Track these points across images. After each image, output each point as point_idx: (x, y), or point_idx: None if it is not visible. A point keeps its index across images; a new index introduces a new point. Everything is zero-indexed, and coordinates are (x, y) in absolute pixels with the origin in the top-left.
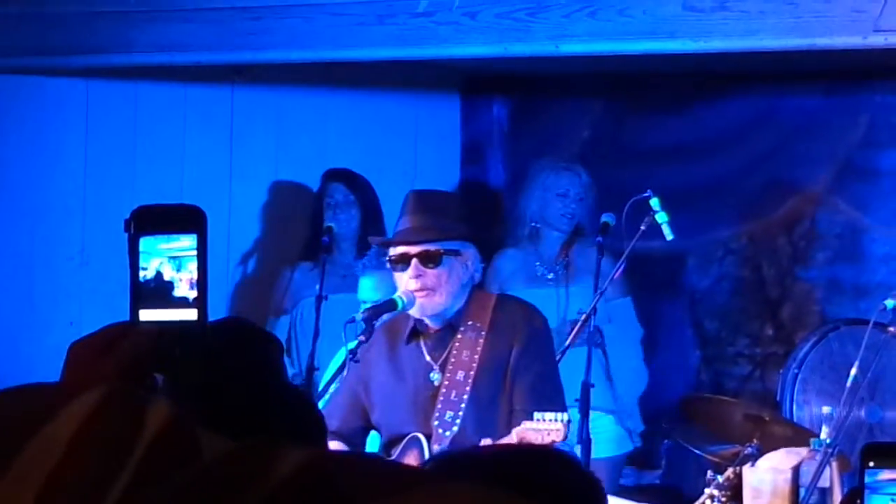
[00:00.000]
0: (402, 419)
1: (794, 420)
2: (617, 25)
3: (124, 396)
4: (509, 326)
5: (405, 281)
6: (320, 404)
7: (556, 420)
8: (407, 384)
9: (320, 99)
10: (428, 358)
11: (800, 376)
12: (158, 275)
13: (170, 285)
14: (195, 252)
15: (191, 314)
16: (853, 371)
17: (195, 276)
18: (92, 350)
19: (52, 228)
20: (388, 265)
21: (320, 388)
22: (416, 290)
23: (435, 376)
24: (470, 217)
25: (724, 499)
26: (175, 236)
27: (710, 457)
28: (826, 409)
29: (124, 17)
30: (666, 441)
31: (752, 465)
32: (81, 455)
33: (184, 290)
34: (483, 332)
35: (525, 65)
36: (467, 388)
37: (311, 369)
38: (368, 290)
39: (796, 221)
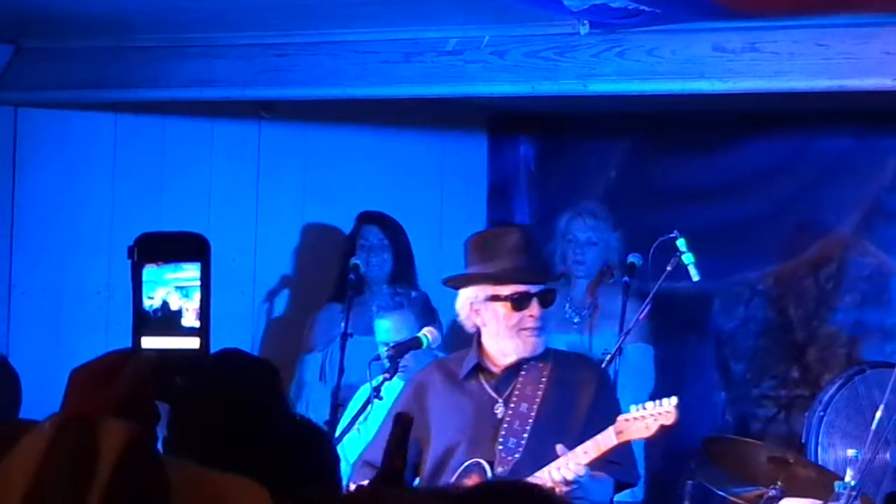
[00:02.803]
0: (463, 449)
1: (819, 462)
2: (645, 65)
3: (75, 428)
4: (583, 377)
5: (520, 320)
6: (344, 441)
7: (659, 404)
8: (469, 417)
9: (347, 136)
10: (493, 393)
11: (825, 419)
12: (165, 304)
13: (176, 314)
14: (200, 282)
15: (193, 342)
16: (878, 414)
17: (199, 305)
18: (93, 377)
19: (79, 262)
20: (491, 302)
21: (343, 425)
22: (533, 329)
23: (499, 409)
24: None
25: None
26: (179, 265)
27: (734, 498)
28: (851, 452)
29: (153, 52)
30: (690, 482)
31: None
32: (44, 493)
33: (190, 319)
34: (546, 373)
35: (553, 104)
36: (530, 420)
37: (336, 406)
38: (385, 331)
39: (824, 263)
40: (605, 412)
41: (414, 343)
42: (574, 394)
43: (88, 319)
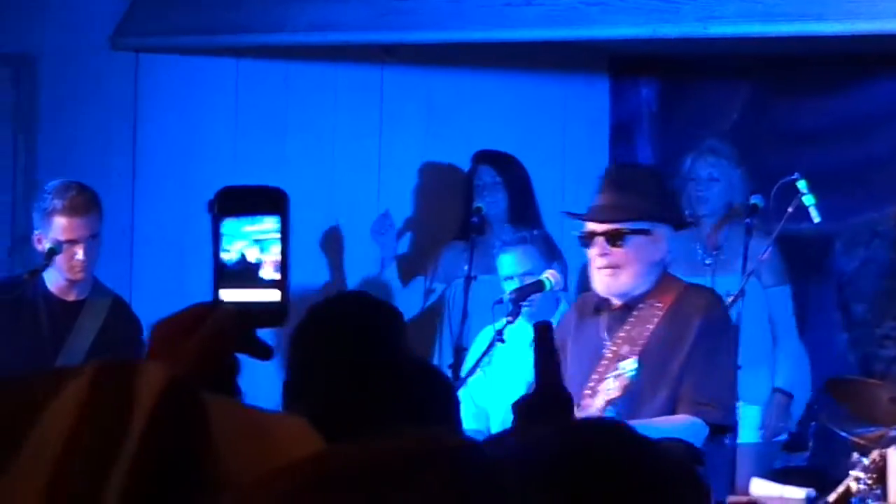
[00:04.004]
0: (575, 387)
1: None
2: (766, 7)
3: (112, 374)
4: (690, 314)
5: (592, 258)
6: (468, 383)
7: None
8: (584, 355)
9: (470, 79)
10: (604, 333)
11: None
12: (242, 256)
13: (254, 266)
14: (278, 234)
15: (273, 295)
16: None
17: (278, 257)
18: (175, 330)
19: (201, 208)
20: (579, 242)
21: (467, 368)
22: (601, 268)
23: (605, 350)
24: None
25: (869, 481)
26: (258, 218)
27: (855, 439)
28: None
29: None
30: (813, 423)
31: None
32: (81, 441)
33: (267, 271)
34: (659, 314)
35: (673, 46)
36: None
37: (459, 349)
38: (509, 265)
39: None
40: (695, 362)
41: (537, 286)
42: (680, 335)
43: (210, 266)
